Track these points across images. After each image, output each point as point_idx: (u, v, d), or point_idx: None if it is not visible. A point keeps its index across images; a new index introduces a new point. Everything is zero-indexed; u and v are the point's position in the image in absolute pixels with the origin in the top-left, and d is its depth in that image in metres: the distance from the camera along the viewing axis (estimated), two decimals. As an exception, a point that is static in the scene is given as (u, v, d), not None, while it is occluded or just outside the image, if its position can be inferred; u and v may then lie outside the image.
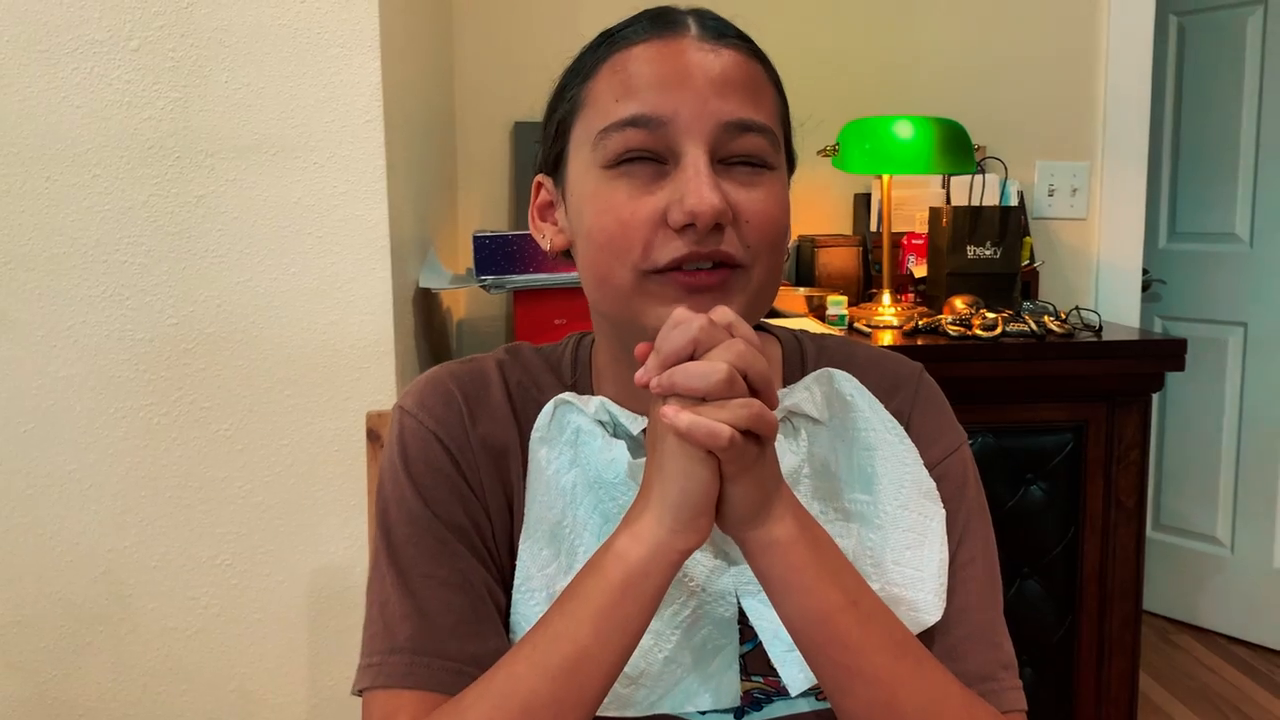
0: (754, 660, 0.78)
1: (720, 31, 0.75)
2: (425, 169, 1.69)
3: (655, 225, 0.71)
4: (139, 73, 1.25)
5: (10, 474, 1.29)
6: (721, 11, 0.78)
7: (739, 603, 0.77)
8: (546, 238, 0.82)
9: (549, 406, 0.79)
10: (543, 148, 0.81)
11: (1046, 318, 1.84)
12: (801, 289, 2.07)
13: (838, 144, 1.98)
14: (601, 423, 0.77)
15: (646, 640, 0.74)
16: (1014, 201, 2.22)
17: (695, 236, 0.70)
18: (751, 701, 0.78)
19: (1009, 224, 1.96)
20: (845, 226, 2.31)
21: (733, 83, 0.72)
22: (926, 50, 2.29)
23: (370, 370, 1.31)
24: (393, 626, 0.74)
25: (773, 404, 0.66)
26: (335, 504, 1.33)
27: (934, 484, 0.80)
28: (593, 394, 0.82)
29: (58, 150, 1.25)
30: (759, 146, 0.73)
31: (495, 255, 1.58)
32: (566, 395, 0.79)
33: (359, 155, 1.29)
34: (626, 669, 0.71)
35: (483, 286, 1.58)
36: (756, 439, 0.65)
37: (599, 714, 0.71)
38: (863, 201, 2.27)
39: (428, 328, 1.63)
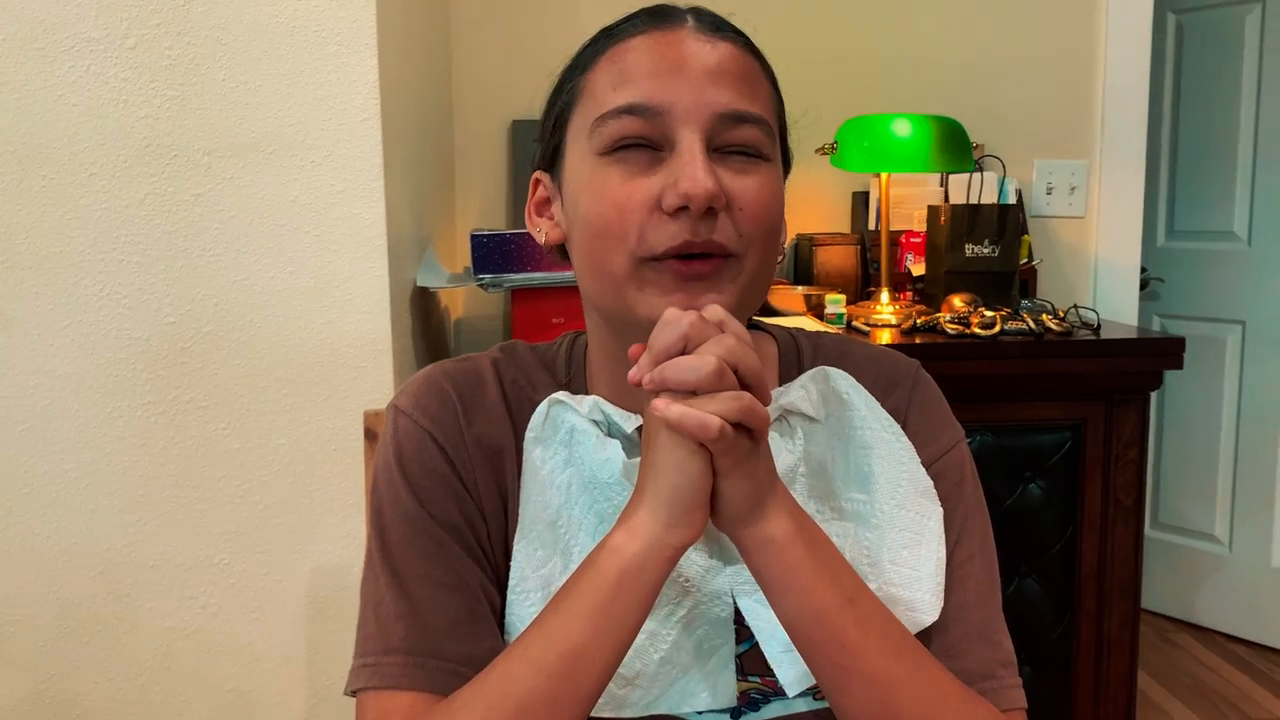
0: (750, 660, 0.77)
1: (717, 25, 0.76)
2: (422, 167, 1.69)
3: (650, 209, 0.71)
4: (136, 71, 1.24)
5: (7, 473, 1.29)
6: (719, 10, 0.79)
7: (735, 602, 0.76)
8: (543, 232, 0.82)
9: (543, 406, 0.79)
10: (541, 143, 0.82)
11: (1045, 316, 1.84)
12: (800, 287, 2.07)
13: (836, 142, 1.98)
14: (596, 422, 0.77)
15: (642, 640, 0.74)
16: (1012, 200, 2.21)
17: (690, 221, 0.70)
18: (748, 701, 0.77)
19: (1007, 222, 1.96)
20: (843, 225, 2.31)
21: (729, 74, 0.73)
22: (925, 48, 2.29)
23: (367, 369, 1.31)
24: (387, 627, 0.74)
25: (764, 398, 0.66)
26: (333, 503, 1.33)
27: (931, 482, 0.80)
28: (587, 393, 0.82)
29: (54, 149, 1.25)
30: (754, 137, 0.73)
31: (493, 254, 1.58)
32: (560, 395, 0.79)
33: (356, 154, 1.28)
34: (622, 669, 0.71)
35: (480, 285, 1.58)
36: (749, 433, 0.66)
37: (595, 715, 0.71)
38: (861, 200, 2.27)
39: (425, 327, 1.63)
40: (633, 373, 0.67)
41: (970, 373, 1.74)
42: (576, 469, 0.77)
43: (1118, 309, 2.32)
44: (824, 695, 0.72)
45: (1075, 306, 1.93)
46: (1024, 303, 2.03)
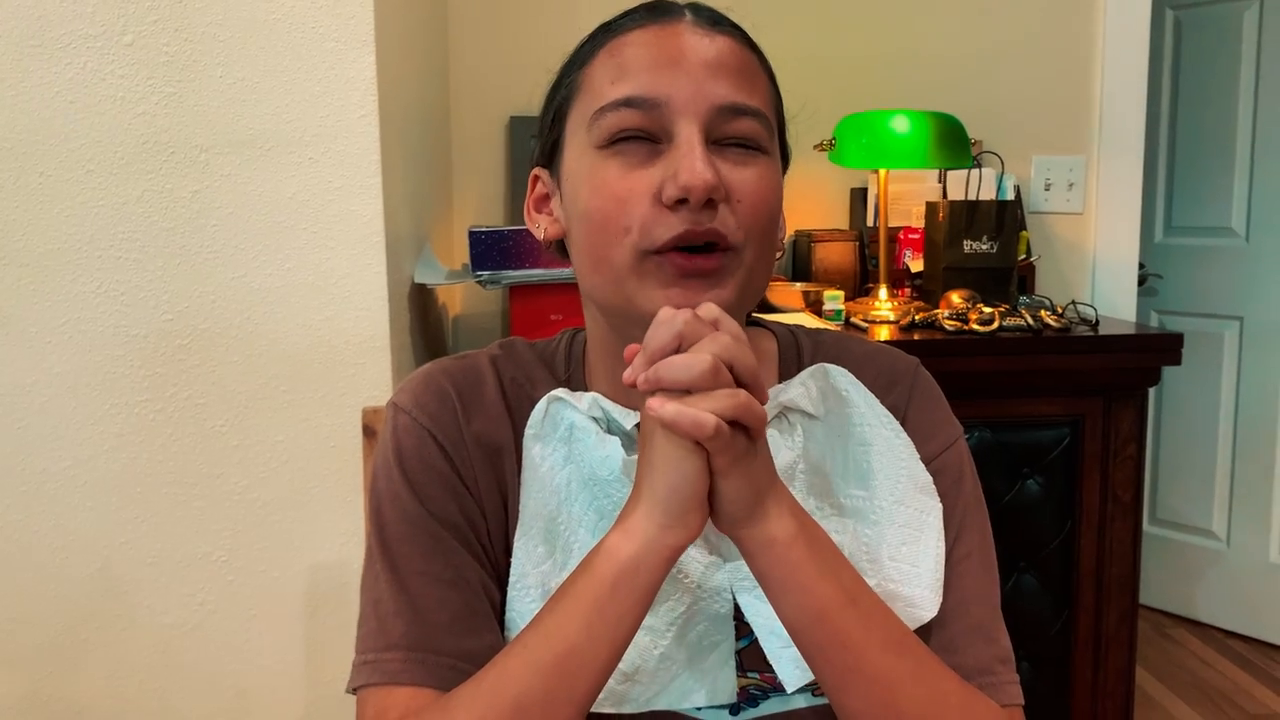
0: (750, 656, 0.77)
1: (715, 19, 0.76)
2: (420, 164, 1.68)
3: (649, 202, 0.71)
4: (133, 68, 1.24)
5: (5, 470, 1.29)
6: (717, 6, 0.79)
7: (734, 599, 0.76)
8: (542, 228, 0.82)
9: (542, 403, 0.79)
10: (539, 139, 0.82)
11: (1043, 312, 1.84)
12: (798, 284, 2.07)
13: (834, 138, 1.98)
14: (595, 419, 0.77)
15: (642, 637, 0.74)
16: (1010, 196, 2.22)
17: (689, 213, 0.70)
18: (747, 698, 0.77)
19: (1005, 218, 1.96)
20: (842, 221, 2.31)
21: (727, 67, 0.73)
22: (923, 44, 2.29)
23: (366, 366, 1.31)
24: (387, 623, 0.74)
25: (760, 397, 0.66)
26: (331, 500, 1.33)
27: (930, 479, 0.80)
28: (586, 389, 0.82)
29: (51, 146, 1.24)
30: (752, 130, 0.73)
31: (491, 250, 1.58)
32: (559, 391, 0.79)
33: (354, 150, 1.28)
34: (622, 666, 0.71)
35: (478, 282, 1.58)
36: (745, 431, 0.65)
37: (594, 711, 0.71)
38: (859, 196, 2.27)
39: (423, 324, 1.63)
40: (627, 373, 0.66)
41: (968, 369, 1.74)
42: (576, 466, 0.77)
43: (1116, 305, 2.32)
44: (824, 692, 0.72)
45: (1073, 302, 1.93)
46: (1022, 299, 2.03)
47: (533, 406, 0.79)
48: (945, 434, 0.84)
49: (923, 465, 0.80)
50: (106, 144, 1.25)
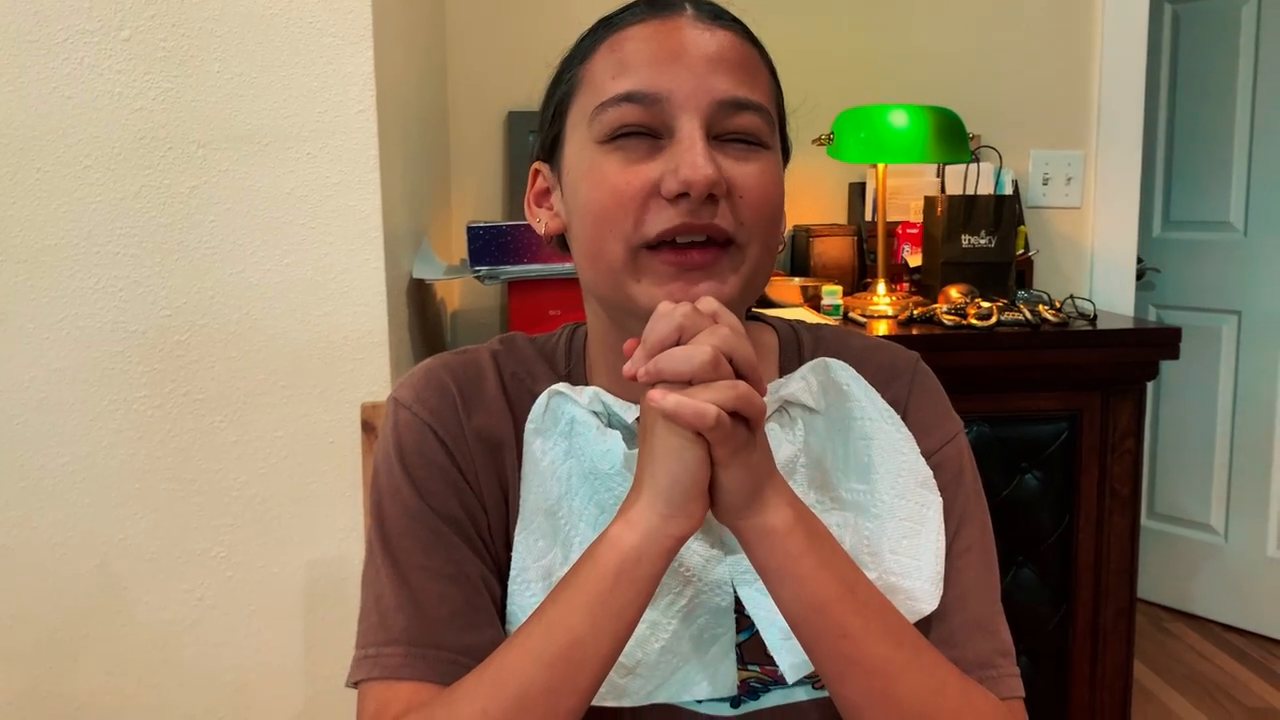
0: (751, 649, 0.78)
1: (716, 14, 0.76)
2: (418, 159, 1.68)
3: (648, 195, 0.71)
4: (130, 63, 1.24)
5: (4, 467, 1.28)
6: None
7: (735, 592, 0.77)
8: (542, 222, 0.82)
9: (543, 397, 0.79)
10: (540, 133, 0.82)
11: (1041, 307, 1.84)
12: (796, 279, 2.07)
13: (832, 133, 1.98)
14: (596, 413, 0.77)
15: (643, 629, 0.74)
16: (1008, 190, 2.22)
17: (689, 207, 0.70)
18: (748, 690, 0.78)
19: (1003, 213, 1.96)
20: (840, 216, 2.31)
21: (728, 61, 0.73)
22: (921, 39, 2.28)
23: (364, 362, 1.31)
24: (388, 618, 0.74)
25: (759, 388, 0.67)
26: (330, 496, 1.33)
27: (930, 473, 0.80)
28: (586, 384, 0.82)
29: (49, 141, 1.24)
30: (754, 125, 0.73)
31: (489, 246, 1.58)
32: (560, 386, 0.79)
33: (352, 146, 1.28)
34: (623, 658, 0.71)
35: (477, 277, 1.58)
36: (745, 422, 0.66)
37: (595, 703, 0.71)
38: (858, 191, 2.27)
39: (422, 319, 1.63)
40: (627, 367, 0.67)
41: (967, 364, 1.74)
42: (577, 460, 0.77)
43: (1114, 299, 2.33)
44: (824, 684, 0.72)
45: (1071, 297, 1.93)
46: (1020, 293, 2.04)
47: (533, 401, 0.79)
48: (945, 428, 0.84)
49: (923, 460, 0.81)
50: (104, 139, 1.25)
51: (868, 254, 2.17)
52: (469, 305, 2.18)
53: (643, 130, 0.72)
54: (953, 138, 1.92)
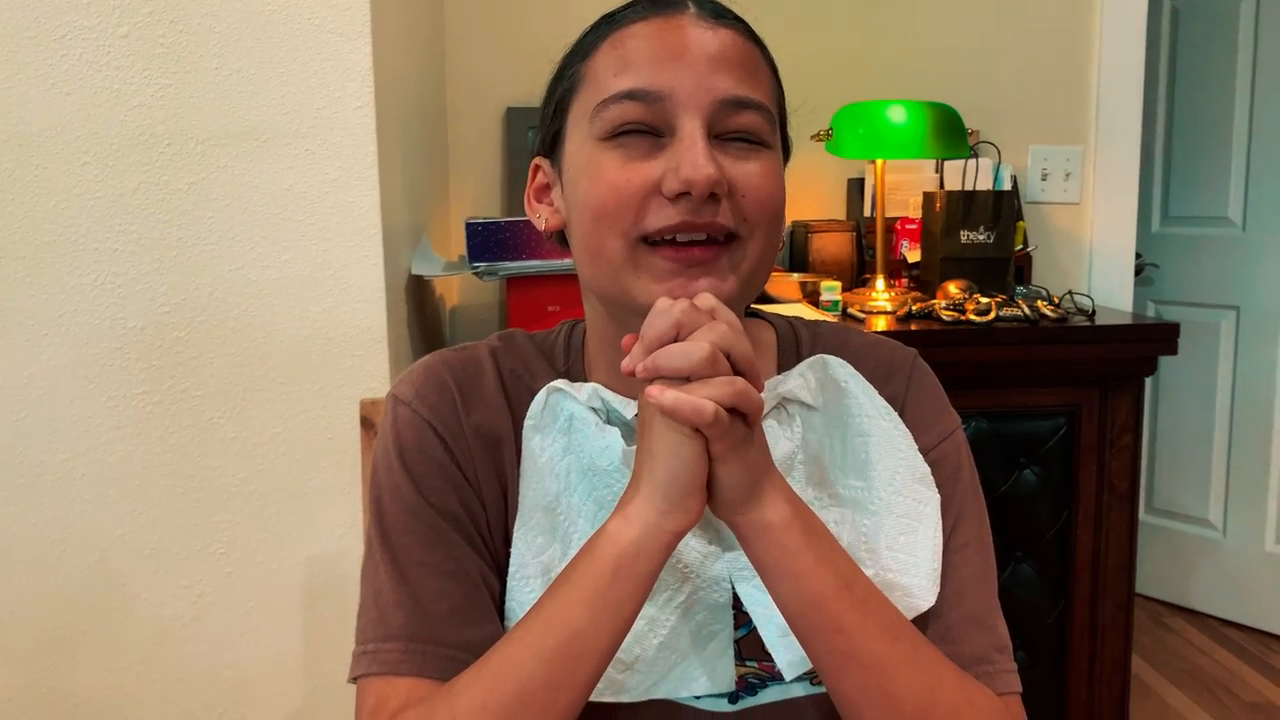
0: (748, 645, 0.78)
1: (718, 12, 0.76)
2: (417, 155, 1.68)
3: (648, 193, 0.71)
4: (129, 59, 1.24)
5: (3, 464, 1.28)
6: None
7: (733, 588, 0.77)
8: (542, 218, 0.82)
9: (542, 394, 0.79)
10: (540, 129, 0.82)
11: (1040, 302, 1.84)
12: (795, 274, 2.07)
13: (831, 129, 1.98)
14: (594, 409, 0.77)
15: (641, 625, 0.74)
16: (1007, 186, 2.21)
17: (689, 206, 0.70)
18: (746, 686, 0.78)
19: (1002, 208, 1.96)
20: (839, 211, 2.31)
21: (730, 60, 0.73)
22: (920, 35, 2.28)
23: (363, 358, 1.31)
24: (387, 614, 0.74)
25: (757, 384, 0.67)
26: (329, 492, 1.33)
27: (928, 469, 0.80)
28: (585, 380, 0.82)
29: (47, 138, 1.24)
30: (755, 124, 0.73)
31: (488, 242, 1.58)
32: (559, 382, 0.79)
33: (350, 142, 1.28)
34: (621, 654, 0.71)
35: (475, 273, 1.58)
36: (743, 418, 0.66)
37: (593, 699, 0.71)
38: (856, 186, 2.27)
39: (420, 315, 1.63)
40: (625, 363, 0.67)
41: (965, 359, 1.74)
42: (575, 456, 0.77)
43: (1112, 295, 2.33)
44: (821, 680, 0.73)
45: (1070, 293, 1.93)
46: (1019, 289, 2.04)
47: (532, 398, 0.79)
48: (943, 424, 0.84)
49: (920, 456, 0.81)
50: (102, 136, 1.25)
51: (866, 250, 2.17)
52: (468, 301, 2.18)
53: (644, 128, 0.72)
54: (951, 133, 1.92)
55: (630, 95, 0.72)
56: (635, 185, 0.71)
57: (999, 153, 2.21)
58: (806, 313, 1.67)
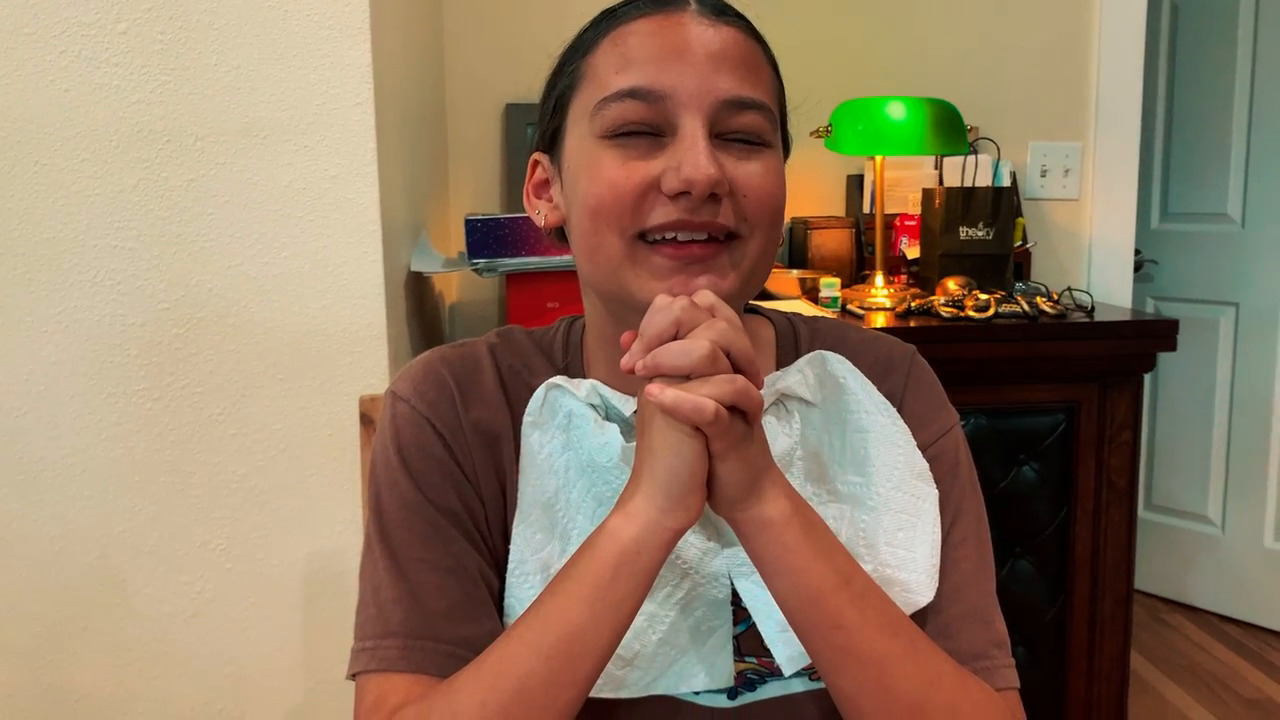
0: (747, 641, 0.78)
1: (719, 10, 0.76)
2: (416, 152, 1.68)
3: (648, 190, 0.71)
4: (127, 56, 1.24)
5: (2, 460, 1.29)
6: None
7: (732, 584, 0.77)
8: (541, 214, 0.82)
9: (540, 390, 0.79)
10: (540, 125, 0.82)
11: (1039, 299, 1.84)
12: (794, 271, 2.07)
13: (830, 125, 1.98)
14: (593, 406, 0.77)
15: (640, 622, 0.74)
16: (1006, 182, 2.21)
17: (689, 205, 0.70)
18: (745, 682, 0.78)
19: (1001, 205, 1.96)
20: (838, 208, 2.31)
21: (732, 59, 0.73)
22: (920, 31, 2.28)
23: (363, 354, 1.31)
24: (386, 611, 0.75)
25: (757, 382, 0.67)
26: (329, 488, 1.33)
27: (926, 465, 0.81)
28: (584, 377, 0.82)
29: (46, 135, 1.24)
30: (757, 124, 0.73)
31: (487, 238, 1.58)
32: (558, 379, 0.79)
33: (349, 138, 1.28)
34: (621, 650, 0.71)
35: (475, 270, 1.58)
36: (743, 416, 0.66)
37: (593, 695, 0.71)
38: (855, 183, 2.27)
39: (420, 312, 1.63)
40: (625, 360, 0.67)
41: (964, 355, 1.74)
42: (574, 453, 0.77)
43: (1111, 291, 2.33)
44: (820, 675, 0.73)
45: (1069, 289, 1.93)
46: (1018, 285, 2.04)
47: (531, 394, 0.79)
48: (941, 421, 0.84)
49: (919, 452, 0.81)
50: (101, 133, 1.25)
51: (866, 246, 2.17)
52: (467, 298, 2.18)
53: (645, 129, 0.72)
54: (951, 130, 1.92)
55: (632, 93, 0.72)
56: (634, 183, 0.71)
57: (998, 149, 2.21)
58: (805, 309, 1.67)
